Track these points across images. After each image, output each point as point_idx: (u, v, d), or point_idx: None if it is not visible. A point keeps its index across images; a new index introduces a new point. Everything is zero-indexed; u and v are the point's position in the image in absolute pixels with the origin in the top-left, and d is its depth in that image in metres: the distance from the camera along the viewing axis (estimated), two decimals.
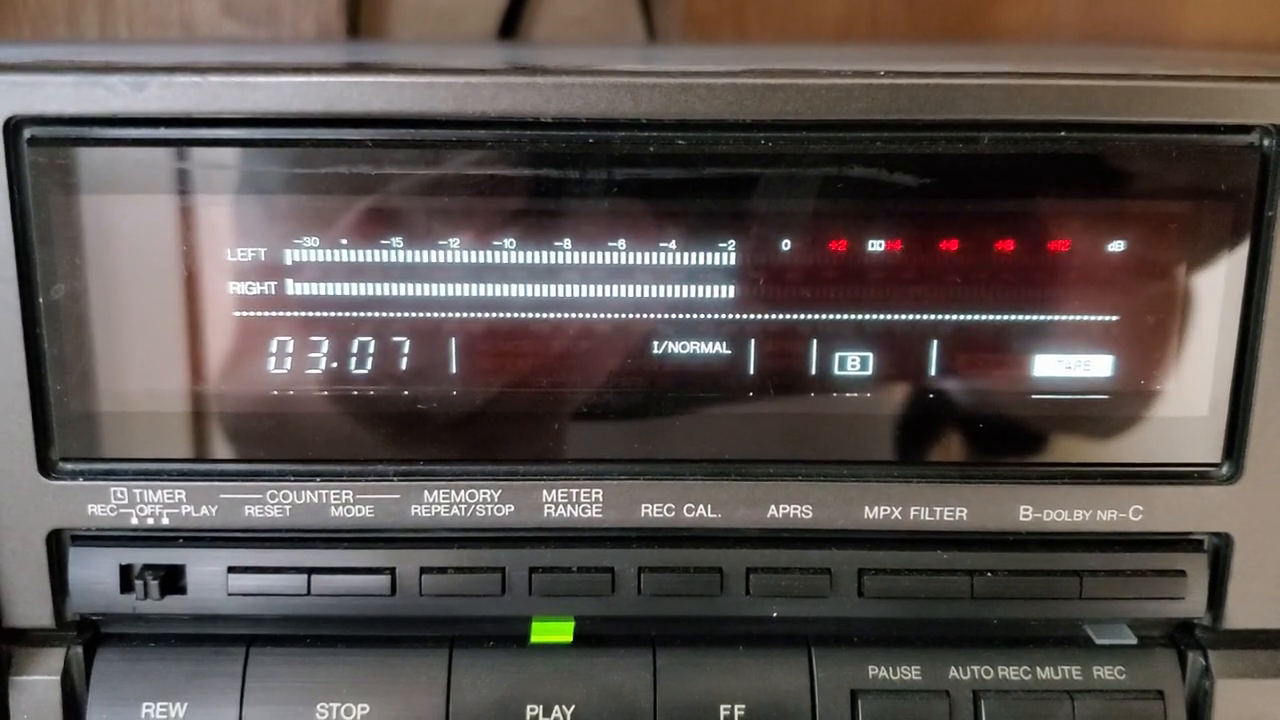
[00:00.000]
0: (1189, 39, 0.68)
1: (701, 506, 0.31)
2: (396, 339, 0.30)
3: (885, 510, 0.31)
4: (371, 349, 0.30)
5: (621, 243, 0.30)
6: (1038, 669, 0.32)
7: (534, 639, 0.32)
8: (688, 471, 0.31)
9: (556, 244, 0.30)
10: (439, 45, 0.62)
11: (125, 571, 0.31)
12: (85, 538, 0.31)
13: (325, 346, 0.30)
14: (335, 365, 0.30)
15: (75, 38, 0.85)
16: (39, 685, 0.31)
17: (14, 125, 0.28)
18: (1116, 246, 0.30)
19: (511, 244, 0.30)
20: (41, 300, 0.29)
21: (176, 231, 0.29)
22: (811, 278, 0.30)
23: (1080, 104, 0.28)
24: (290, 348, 0.30)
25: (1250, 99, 0.28)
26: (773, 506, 0.31)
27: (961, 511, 0.31)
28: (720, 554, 0.31)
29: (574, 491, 0.31)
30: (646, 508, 0.31)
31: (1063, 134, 0.29)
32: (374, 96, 0.28)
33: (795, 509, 0.31)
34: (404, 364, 0.30)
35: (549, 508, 0.31)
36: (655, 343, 0.30)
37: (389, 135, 0.28)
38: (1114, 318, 0.30)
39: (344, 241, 0.30)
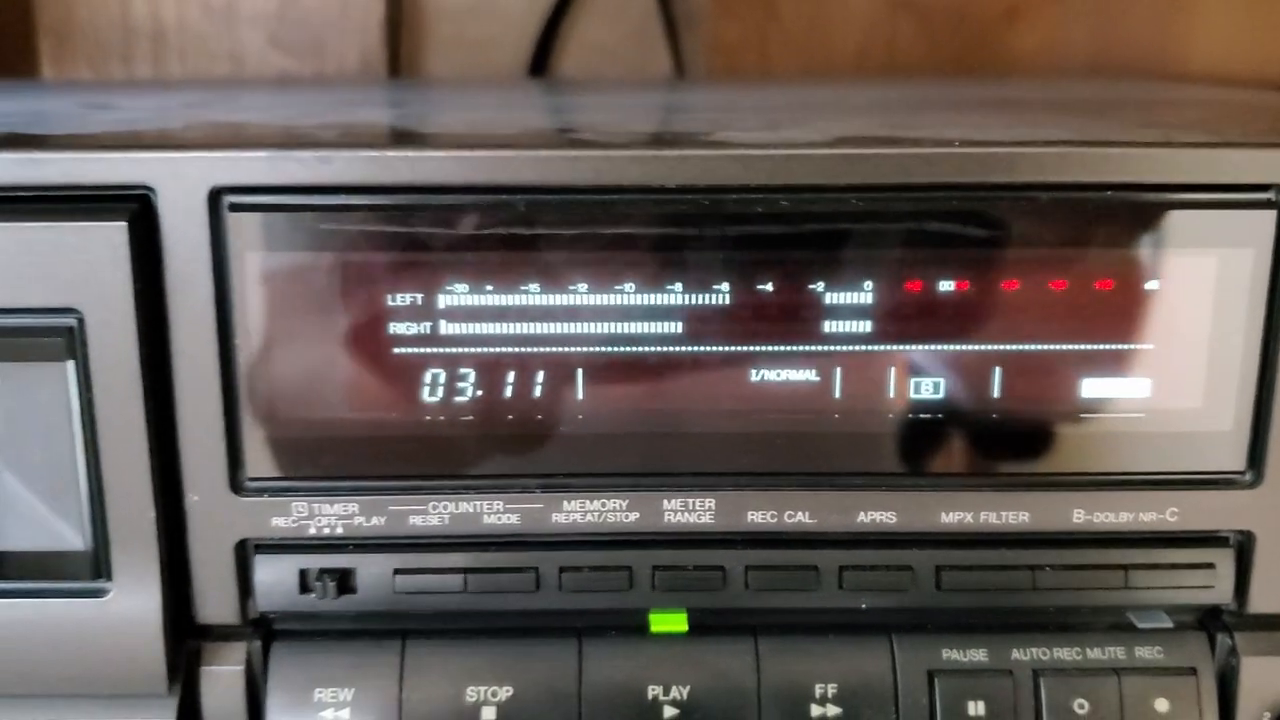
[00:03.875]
0: (1196, 63, 0.71)
1: (800, 513, 0.36)
2: (533, 371, 0.35)
3: (959, 515, 0.36)
4: (512, 379, 0.35)
5: (726, 286, 0.35)
6: (1088, 650, 0.37)
7: (653, 629, 0.37)
8: (787, 483, 0.35)
9: (670, 289, 0.35)
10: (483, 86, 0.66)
11: (303, 575, 0.36)
12: (269, 546, 0.35)
13: (472, 378, 0.35)
14: (481, 394, 0.35)
15: (129, 71, 0.91)
16: (225, 674, 0.36)
17: (216, 194, 0.33)
18: (1153, 286, 0.35)
19: (631, 288, 0.35)
20: (238, 344, 0.34)
21: (346, 282, 0.34)
22: (891, 314, 0.35)
23: (1123, 168, 0.33)
24: (442, 379, 0.35)
25: (1267, 162, 0.34)
26: (861, 512, 0.36)
27: (1024, 515, 0.36)
28: (816, 554, 0.36)
29: (690, 500, 0.36)
30: (752, 514, 0.36)
31: (1108, 194, 0.34)
32: (525, 169, 0.33)
33: (881, 514, 0.36)
34: (539, 392, 0.35)
35: (668, 514, 0.36)
36: (754, 371, 0.35)
37: (537, 199, 0.33)
38: (1150, 347, 0.35)
39: (489, 288, 0.35)
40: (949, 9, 0.88)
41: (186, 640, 0.36)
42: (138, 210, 0.32)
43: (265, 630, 0.36)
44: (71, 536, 0.34)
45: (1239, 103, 0.50)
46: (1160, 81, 0.66)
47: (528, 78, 0.91)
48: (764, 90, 0.61)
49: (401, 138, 0.34)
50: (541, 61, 0.93)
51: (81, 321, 0.33)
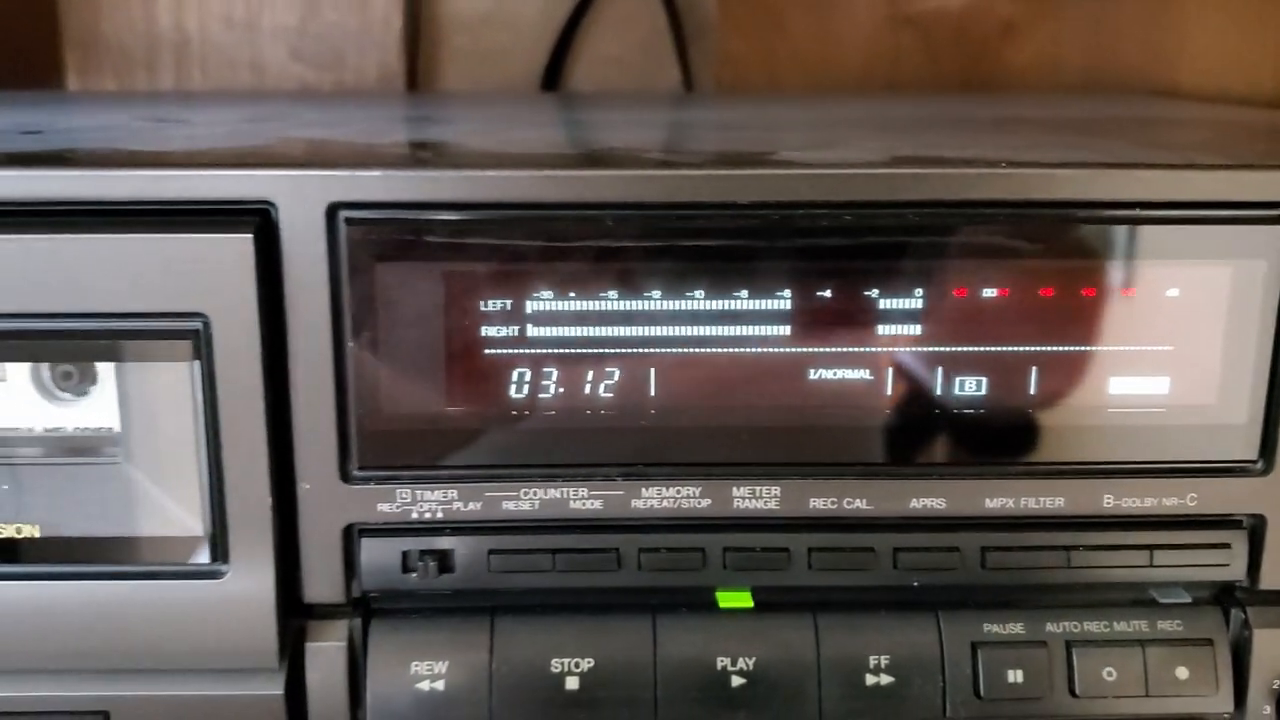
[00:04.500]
0: (1186, 78, 0.74)
1: (858, 500, 0.39)
2: (610, 369, 0.39)
3: (1002, 501, 0.39)
4: (590, 378, 0.39)
5: (788, 293, 0.38)
6: (1115, 623, 0.40)
7: (721, 605, 0.40)
8: (846, 472, 0.39)
9: (737, 295, 0.38)
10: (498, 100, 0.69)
11: (405, 556, 0.39)
12: (374, 530, 0.39)
13: (555, 376, 0.39)
14: (562, 391, 0.39)
15: (153, 81, 0.93)
16: (329, 650, 0.39)
17: (333, 209, 0.36)
18: (1174, 294, 0.39)
19: (701, 294, 0.38)
20: (350, 345, 0.37)
21: (445, 288, 0.37)
22: (939, 319, 0.38)
23: (1150, 188, 0.37)
24: (529, 378, 0.39)
25: (1277, 182, 0.37)
26: (914, 499, 0.39)
27: (1060, 500, 0.39)
28: (873, 537, 0.39)
29: (757, 488, 0.39)
30: (814, 500, 0.39)
31: (1137, 211, 0.38)
32: (612, 187, 0.37)
33: (932, 501, 0.39)
34: (616, 390, 0.39)
35: (737, 501, 0.39)
36: (813, 371, 0.39)
37: (623, 215, 0.37)
38: (1170, 348, 0.39)
39: (572, 294, 0.38)
40: (949, 24, 0.91)
41: (293, 618, 0.39)
42: (260, 223, 0.36)
43: (365, 609, 0.39)
44: (192, 523, 0.37)
45: (1240, 122, 0.54)
46: (1157, 98, 0.69)
47: (541, 90, 0.94)
48: (795, 106, 0.65)
49: (494, 159, 0.37)
50: (554, 73, 0.96)
51: (207, 325, 0.36)
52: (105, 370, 0.37)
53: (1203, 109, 0.60)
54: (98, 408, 0.38)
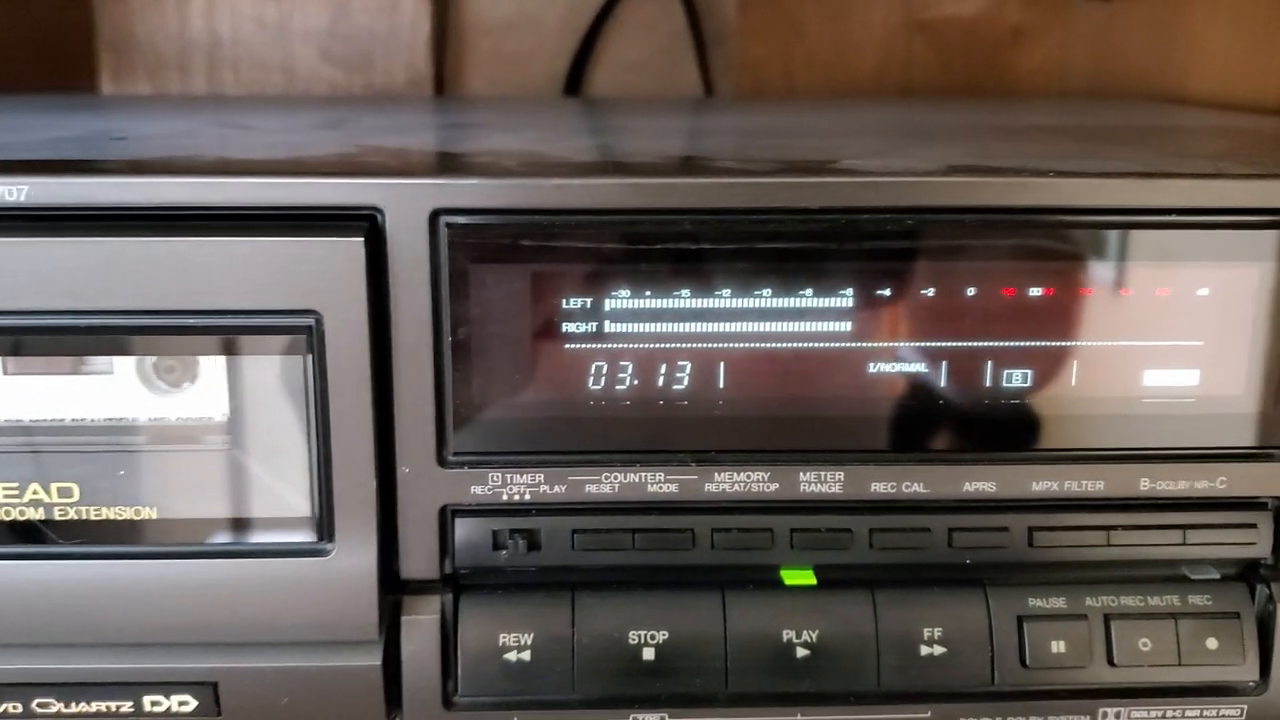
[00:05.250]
0: (1192, 84, 0.76)
1: (916, 484, 0.42)
2: (683, 362, 0.42)
3: (1047, 484, 0.42)
4: (665, 370, 0.42)
5: (851, 292, 0.41)
6: (1149, 598, 0.44)
7: (786, 582, 0.43)
8: (904, 458, 0.42)
9: (802, 293, 0.41)
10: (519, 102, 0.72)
11: (495, 535, 0.42)
12: (467, 511, 0.42)
13: (631, 369, 0.42)
14: (637, 383, 0.42)
15: (186, 83, 0.96)
16: (423, 623, 0.42)
17: (435, 214, 0.39)
18: (1204, 292, 0.42)
19: (769, 293, 0.41)
20: (448, 340, 0.40)
21: (532, 288, 0.40)
22: (989, 316, 0.41)
23: (1183, 195, 0.40)
24: (606, 371, 0.42)
25: None
26: (967, 483, 0.42)
27: (1100, 483, 0.42)
28: (929, 519, 0.42)
29: (822, 473, 0.42)
30: (875, 484, 0.42)
31: (1172, 216, 0.41)
32: (692, 194, 0.40)
33: (983, 484, 0.42)
34: (687, 382, 0.42)
35: (804, 485, 0.42)
36: (872, 364, 0.42)
37: (702, 219, 0.40)
38: (1201, 343, 0.42)
39: (647, 293, 0.41)
40: (961, 31, 0.95)
41: (389, 594, 0.42)
42: (369, 228, 0.39)
43: (455, 585, 0.42)
44: (300, 504, 0.40)
45: (1254, 130, 0.57)
46: (1165, 106, 0.72)
47: (564, 94, 0.97)
48: (828, 111, 0.68)
49: (581, 168, 0.40)
50: (576, 78, 0.99)
51: (319, 321, 0.39)
52: (208, 363, 0.40)
53: (1212, 116, 0.63)
54: (198, 399, 0.41)
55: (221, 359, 0.40)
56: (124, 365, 0.41)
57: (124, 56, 0.98)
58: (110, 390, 0.41)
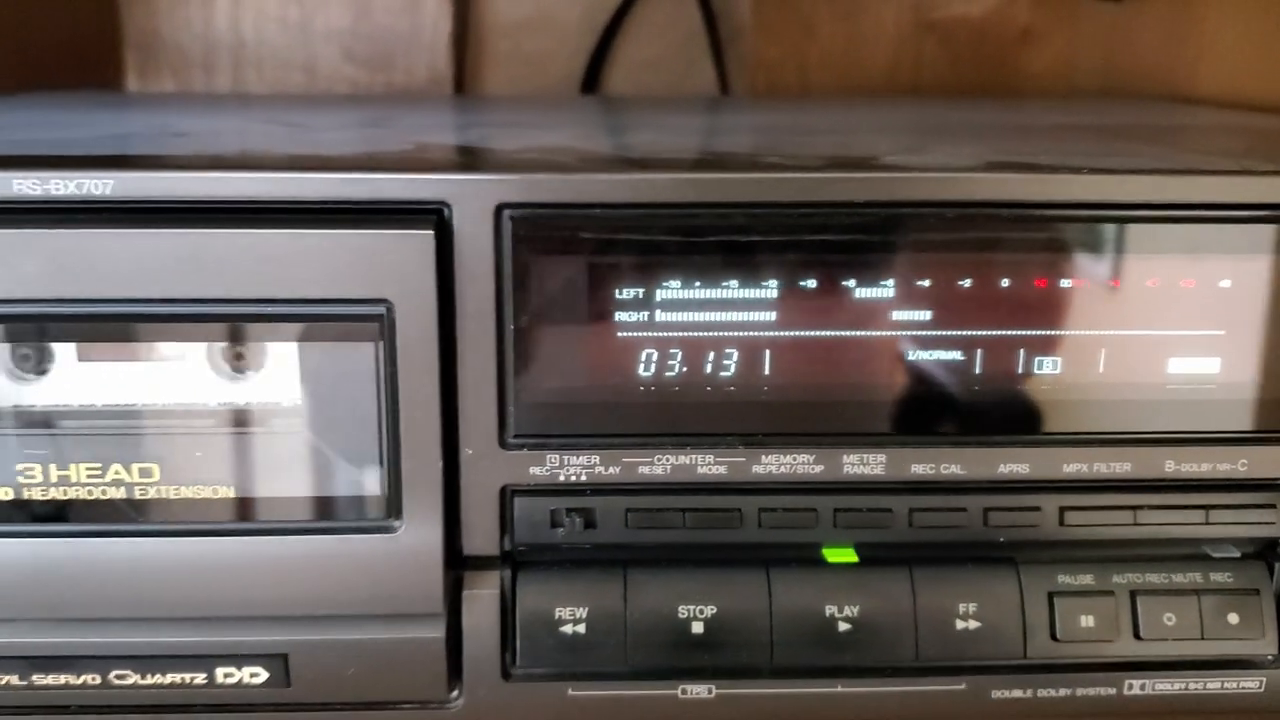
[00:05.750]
0: (1202, 84, 0.77)
1: (953, 465, 0.44)
2: (730, 350, 0.44)
3: (1077, 466, 0.44)
4: (712, 358, 0.44)
5: (892, 282, 0.44)
6: (1173, 575, 0.46)
7: (829, 560, 0.45)
8: (942, 441, 0.44)
9: (844, 284, 0.43)
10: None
11: (553, 514, 0.44)
12: (526, 491, 0.44)
13: (680, 356, 0.44)
14: (687, 370, 0.44)
15: (210, 82, 0.98)
16: (484, 597, 0.44)
17: (500, 208, 0.42)
18: (1226, 284, 0.44)
19: (813, 283, 0.43)
20: (511, 328, 0.42)
21: (588, 278, 0.42)
22: (1022, 305, 0.44)
23: (1209, 191, 0.42)
24: (656, 358, 0.44)
25: None
26: (1001, 464, 0.44)
27: (1127, 465, 0.45)
28: (966, 499, 0.44)
29: (864, 455, 0.44)
30: (915, 466, 0.44)
31: (1198, 212, 0.43)
32: (744, 189, 0.42)
33: (1017, 466, 0.44)
34: (735, 368, 0.44)
35: (846, 466, 0.44)
36: (910, 351, 0.44)
37: (754, 213, 0.42)
38: (1223, 332, 0.45)
39: (696, 284, 0.43)
40: (970, 31, 0.97)
41: (451, 570, 0.44)
42: (437, 220, 0.41)
43: (513, 562, 0.45)
44: (370, 483, 0.42)
45: (1270, 129, 0.59)
46: (1175, 105, 0.75)
47: (581, 92, 0.99)
48: (849, 110, 0.70)
49: (637, 164, 0.42)
50: (593, 77, 1.01)
51: (390, 310, 0.41)
52: (275, 349, 0.42)
53: (1223, 115, 0.66)
54: (267, 384, 0.43)
55: (292, 345, 0.42)
56: (195, 352, 0.43)
57: (149, 55, 1.00)
58: (180, 376, 0.42)
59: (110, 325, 0.41)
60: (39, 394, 0.42)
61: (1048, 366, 0.43)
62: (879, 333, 0.43)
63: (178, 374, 0.42)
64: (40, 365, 0.43)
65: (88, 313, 0.40)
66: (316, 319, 0.41)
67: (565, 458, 0.43)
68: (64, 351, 0.42)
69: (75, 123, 0.56)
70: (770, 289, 0.42)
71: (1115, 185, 0.42)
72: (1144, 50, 0.86)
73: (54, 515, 0.42)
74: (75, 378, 0.42)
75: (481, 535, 0.43)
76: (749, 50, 0.99)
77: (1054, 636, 0.44)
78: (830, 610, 0.44)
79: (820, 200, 0.41)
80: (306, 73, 1.02)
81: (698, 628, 0.44)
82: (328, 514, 0.42)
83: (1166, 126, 0.60)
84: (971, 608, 0.44)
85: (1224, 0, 0.76)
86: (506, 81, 1.02)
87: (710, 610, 0.44)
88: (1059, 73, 0.98)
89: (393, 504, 0.42)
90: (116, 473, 0.42)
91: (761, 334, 0.43)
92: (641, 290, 0.42)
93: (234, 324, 0.41)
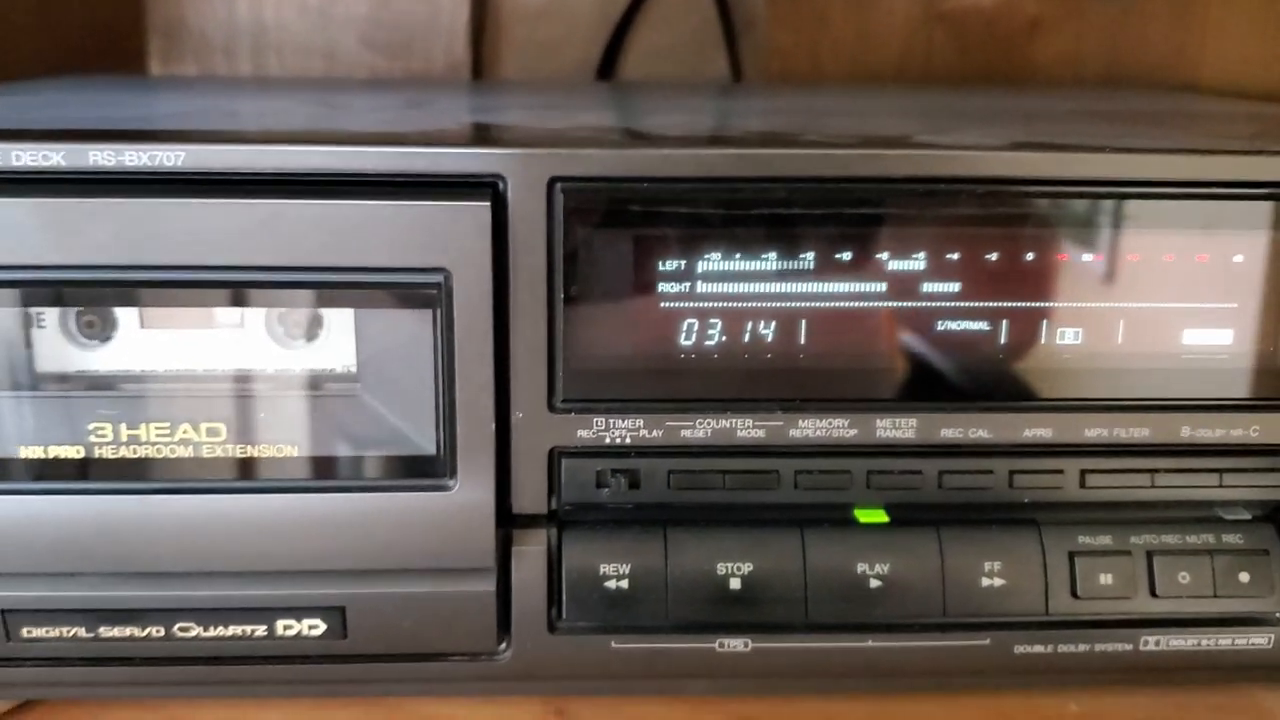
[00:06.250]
0: (1206, 75, 0.79)
1: (981, 429, 0.46)
2: (767, 320, 0.46)
3: (1098, 431, 0.47)
4: (749, 327, 0.46)
5: (923, 255, 0.46)
6: (1187, 536, 0.48)
7: (860, 520, 0.48)
8: (970, 406, 0.46)
9: (878, 257, 0.46)
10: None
11: (599, 475, 0.46)
12: (573, 452, 0.46)
13: (719, 325, 0.46)
14: (725, 339, 0.46)
15: (232, 67, 1.00)
16: (533, 553, 0.46)
17: (552, 181, 0.44)
18: (1239, 259, 0.46)
19: (849, 255, 0.46)
20: (560, 296, 0.44)
21: (634, 249, 0.45)
22: (1045, 278, 0.46)
23: (1221, 169, 0.44)
24: (697, 327, 0.46)
25: None
26: (1026, 429, 0.47)
27: (1145, 430, 0.47)
28: (993, 461, 0.47)
29: (896, 420, 0.46)
30: (945, 430, 0.46)
31: (1212, 189, 0.45)
32: (787, 164, 0.44)
33: (1040, 430, 0.47)
34: (771, 337, 0.46)
35: (879, 430, 0.46)
36: (939, 322, 0.46)
37: (794, 187, 0.44)
38: (1235, 305, 0.47)
39: (737, 256, 0.45)
40: (980, 21, 0.99)
41: (501, 527, 0.46)
42: (493, 193, 0.43)
43: (560, 520, 0.47)
44: (426, 444, 0.44)
45: (1276, 116, 0.61)
46: (1181, 94, 0.77)
47: (597, 79, 1.01)
48: (863, 96, 0.72)
49: (684, 140, 0.44)
50: (608, 64, 1.02)
51: (448, 278, 0.43)
52: (336, 316, 0.44)
53: (1228, 104, 0.68)
54: (325, 350, 0.45)
55: (352, 312, 0.44)
56: (255, 320, 0.45)
57: (173, 41, 1.02)
58: (242, 342, 0.44)
59: (180, 291, 0.42)
60: (104, 360, 0.44)
61: (1070, 336, 0.45)
62: (911, 303, 0.45)
63: (239, 340, 0.44)
64: (105, 332, 0.45)
65: (159, 279, 0.42)
66: (378, 286, 0.43)
67: (611, 421, 0.45)
68: (128, 318, 0.44)
69: (117, 103, 0.58)
70: (807, 261, 0.44)
71: (1136, 164, 0.44)
72: (1149, 42, 0.88)
73: (123, 473, 0.44)
74: (139, 344, 0.44)
75: (530, 495, 0.45)
76: (763, 39, 1.01)
77: (1074, 594, 0.47)
78: (861, 568, 0.46)
79: (858, 175, 0.43)
80: (326, 58, 1.03)
81: (735, 584, 0.46)
82: (385, 473, 0.44)
83: (1175, 112, 0.63)
84: (996, 566, 0.46)
85: None
86: (521, 69, 1.04)
87: (747, 567, 0.46)
88: (1065, 64, 1.00)
89: (448, 464, 0.44)
90: (185, 432, 0.43)
91: (798, 304, 0.45)
92: (684, 261, 0.44)
93: (299, 290, 0.42)
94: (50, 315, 0.44)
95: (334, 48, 1.03)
